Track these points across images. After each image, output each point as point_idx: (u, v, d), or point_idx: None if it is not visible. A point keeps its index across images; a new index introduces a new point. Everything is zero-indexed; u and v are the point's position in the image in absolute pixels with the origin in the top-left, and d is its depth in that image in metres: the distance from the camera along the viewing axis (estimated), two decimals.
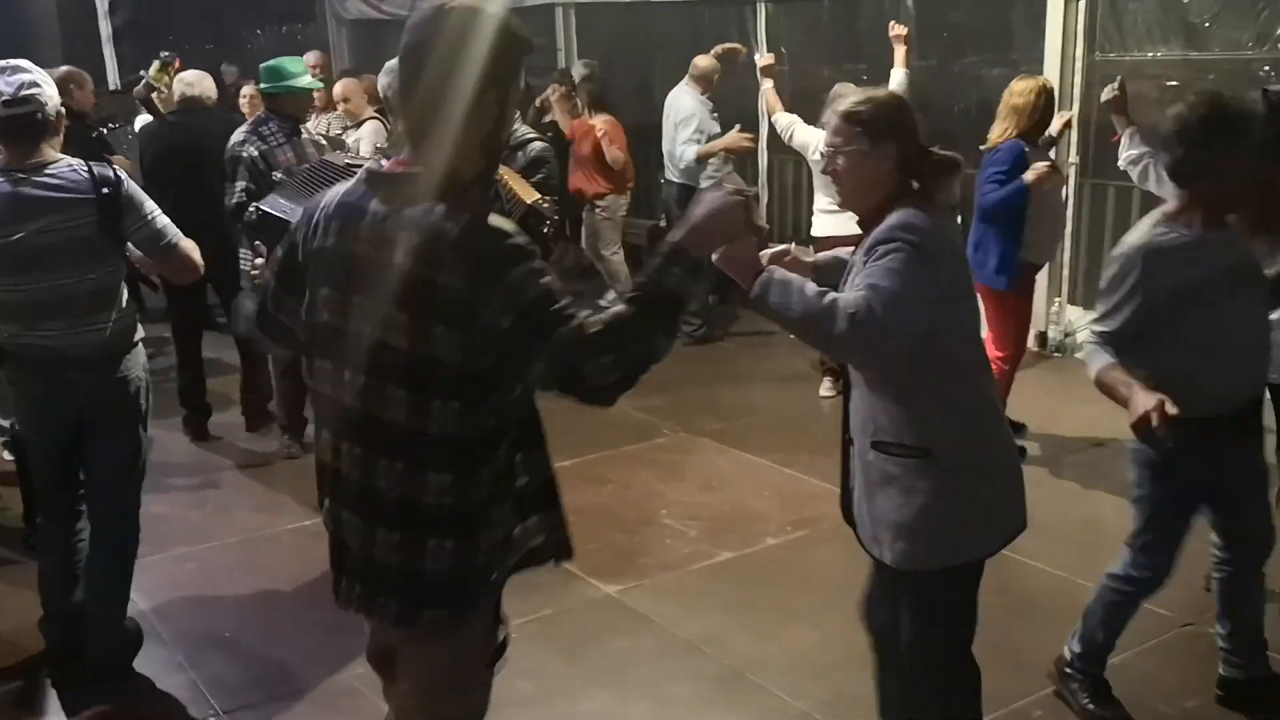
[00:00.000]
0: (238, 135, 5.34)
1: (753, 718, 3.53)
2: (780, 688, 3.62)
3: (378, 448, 2.11)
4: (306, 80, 5.49)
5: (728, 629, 4.01)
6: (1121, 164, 4.68)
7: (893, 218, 2.50)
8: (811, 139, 6.29)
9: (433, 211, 2.02)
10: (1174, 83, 6.55)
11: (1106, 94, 4.85)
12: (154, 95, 6.62)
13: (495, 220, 2.04)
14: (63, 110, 3.53)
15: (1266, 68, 6.18)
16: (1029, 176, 5.09)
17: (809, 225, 6.46)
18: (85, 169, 3.39)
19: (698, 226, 2.09)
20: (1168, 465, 3.18)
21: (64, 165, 3.39)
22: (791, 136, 6.42)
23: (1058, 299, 7.26)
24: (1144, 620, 3.96)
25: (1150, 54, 6.67)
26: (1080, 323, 7.16)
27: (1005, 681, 3.68)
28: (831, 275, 2.82)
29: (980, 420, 2.68)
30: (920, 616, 2.72)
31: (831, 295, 2.34)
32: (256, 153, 5.28)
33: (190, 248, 3.62)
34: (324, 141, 5.73)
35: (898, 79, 6.16)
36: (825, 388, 6.61)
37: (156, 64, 6.65)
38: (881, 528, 2.67)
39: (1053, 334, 7.26)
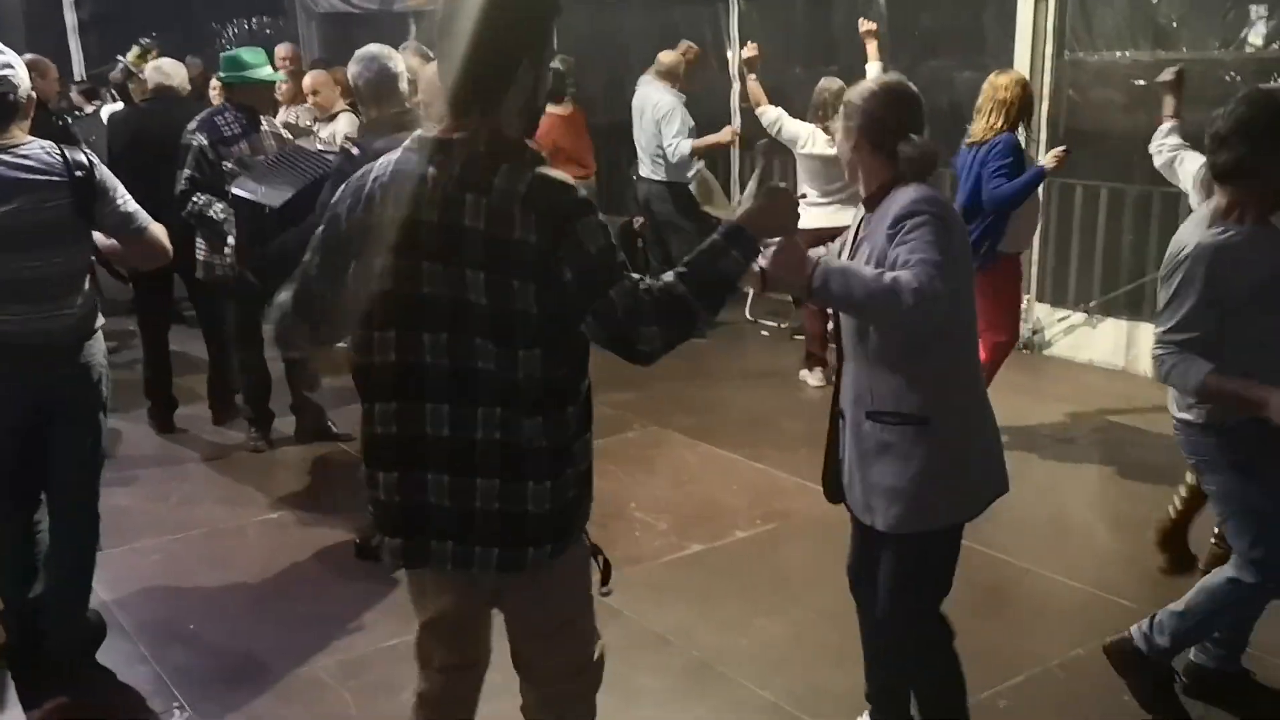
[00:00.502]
0: (191, 124, 5.30)
1: (720, 709, 3.52)
2: (748, 679, 3.62)
3: (471, 401, 2.16)
4: (266, 72, 5.43)
5: (696, 621, 4.01)
6: (1153, 147, 4.56)
7: (908, 192, 2.64)
8: (802, 131, 6.34)
9: (497, 171, 2.09)
10: (1142, 82, 6.60)
11: (1167, 75, 4.76)
12: (130, 82, 6.54)
13: (556, 174, 2.13)
14: (33, 95, 3.48)
15: (1234, 73, 6.23)
16: (1050, 162, 5.13)
17: None
18: (57, 151, 3.35)
19: (759, 215, 2.23)
20: (1251, 468, 3.13)
21: (35, 146, 3.33)
22: (780, 130, 6.45)
23: (1027, 296, 7.29)
24: (1106, 612, 4.01)
25: (1119, 54, 6.73)
26: (1049, 320, 7.22)
27: (971, 672, 3.70)
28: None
29: (970, 387, 2.81)
30: (906, 578, 2.82)
31: (890, 275, 2.43)
32: (206, 142, 5.23)
33: (160, 232, 3.58)
34: (288, 134, 5.68)
35: (873, 73, 6.17)
36: (815, 378, 6.66)
37: (136, 49, 6.58)
38: (876, 495, 2.76)
39: (1022, 331, 7.29)
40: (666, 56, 7.56)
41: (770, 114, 6.46)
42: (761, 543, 4.70)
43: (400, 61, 4.39)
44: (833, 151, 6.27)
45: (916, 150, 2.68)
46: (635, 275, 2.11)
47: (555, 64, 8.46)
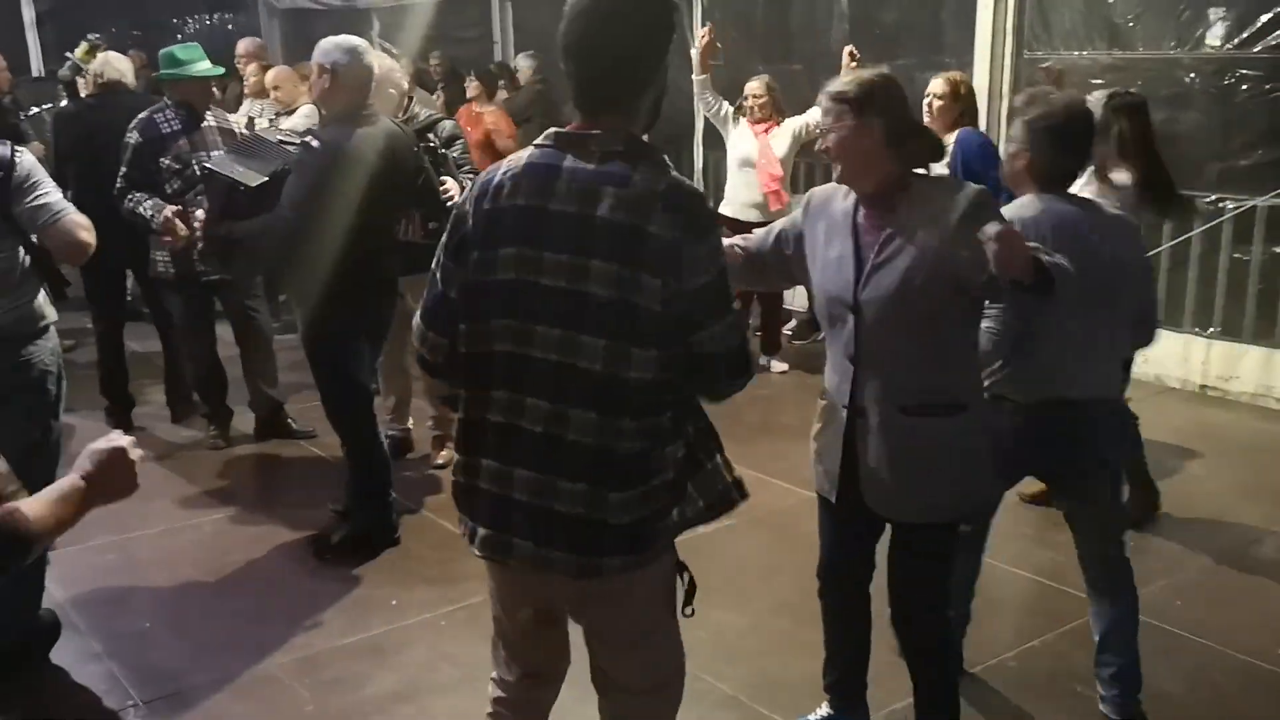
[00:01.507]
0: (133, 121, 5.25)
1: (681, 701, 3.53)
2: (706, 671, 3.62)
3: (569, 399, 2.13)
4: (201, 67, 5.36)
5: None
6: None
7: (957, 188, 2.64)
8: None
9: (635, 167, 2.10)
10: (1099, 81, 6.66)
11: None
12: (79, 78, 6.47)
13: (689, 182, 2.17)
14: None
15: (1192, 75, 6.31)
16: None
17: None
18: None
19: None
20: None
21: None
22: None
23: None
24: (1061, 603, 4.05)
25: (1076, 53, 6.79)
26: None
27: None
28: (757, 260, 3.00)
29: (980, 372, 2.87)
30: (932, 566, 2.86)
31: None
32: (141, 139, 5.20)
33: (74, 225, 3.46)
34: (239, 129, 5.64)
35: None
36: (777, 365, 6.83)
37: (84, 45, 6.51)
38: (911, 489, 2.74)
39: None
40: None
41: (713, 102, 6.67)
42: (720, 537, 4.67)
43: (375, 59, 4.37)
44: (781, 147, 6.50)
45: (927, 142, 2.74)
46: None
47: (526, 60, 8.61)
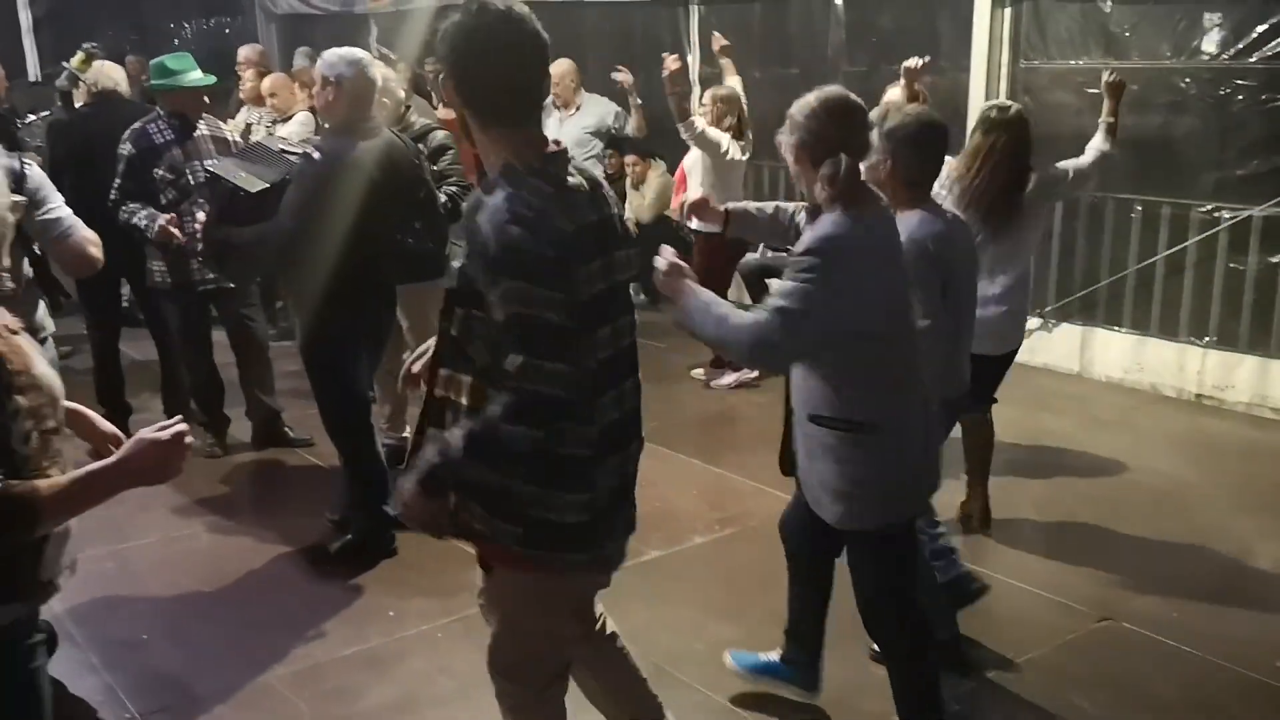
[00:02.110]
0: (126, 132, 5.26)
1: (675, 712, 3.51)
2: (702, 683, 3.63)
3: (631, 373, 2.51)
4: (192, 77, 5.37)
5: (651, 626, 4.01)
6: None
7: (818, 226, 2.77)
8: (724, 138, 6.49)
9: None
10: (1095, 90, 6.68)
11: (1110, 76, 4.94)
12: (75, 88, 6.45)
13: None
14: None
15: (1185, 74, 6.33)
16: None
17: None
18: None
19: None
20: None
21: None
22: (703, 136, 6.47)
23: None
24: (1058, 614, 4.06)
25: (1073, 62, 6.80)
26: None
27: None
28: (742, 226, 3.39)
29: (905, 391, 2.91)
30: (865, 571, 3.03)
31: (740, 319, 2.72)
32: (134, 150, 5.21)
33: (84, 239, 3.49)
34: (234, 137, 5.64)
35: (733, 85, 6.75)
36: (726, 379, 6.84)
37: (81, 54, 6.49)
38: (820, 490, 2.95)
39: None
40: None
41: (697, 125, 6.42)
42: (718, 547, 4.72)
43: (379, 71, 4.37)
44: (743, 157, 6.49)
45: (833, 169, 2.73)
46: None
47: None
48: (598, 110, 7.80)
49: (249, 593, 4.34)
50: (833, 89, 2.88)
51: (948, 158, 3.87)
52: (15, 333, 2.11)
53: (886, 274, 2.83)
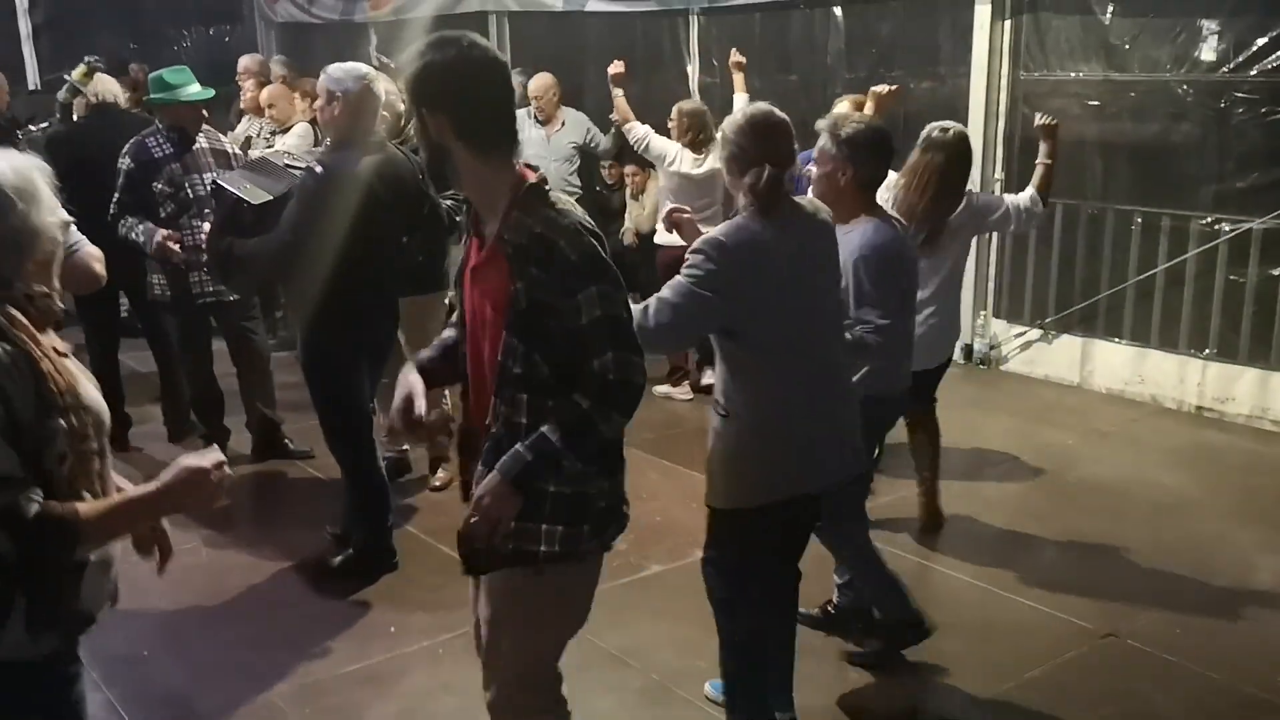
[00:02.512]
0: (125, 146, 5.26)
1: None
2: (704, 700, 3.63)
3: None
4: (191, 90, 5.37)
5: (654, 641, 4.01)
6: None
7: (723, 225, 2.98)
8: (670, 149, 6.47)
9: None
10: (1095, 102, 6.70)
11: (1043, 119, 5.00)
12: (76, 100, 6.44)
13: None
14: None
15: (1185, 86, 6.34)
16: None
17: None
18: None
19: None
20: None
21: None
22: (647, 147, 6.53)
23: (983, 312, 7.38)
24: (1061, 630, 4.05)
25: (1073, 74, 6.81)
26: (1005, 335, 7.30)
27: (926, 694, 3.74)
28: None
29: (777, 393, 3.02)
30: (710, 543, 3.25)
31: (639, 308, 2.86)
32: (133, 165, 5.22)
33: (90, 256, 3.48)
34: (234, 150, 5.64)
35: (740, 104, 6.47)
36: (681, 392, 6.86)
37: (83, 67, 6.48)
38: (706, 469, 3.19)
39: (978, 346, 7.38)
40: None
41: (638, 130, 6.50)
42: None
43: (382, 86, 4.36)
44: (698, 171, 6.41)
45: (755, 179, 2.92)
46: None
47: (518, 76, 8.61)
48: (579, 125, 7.84)
49: (250, 608, 4.33)
50: (760, 106, 3.07)
51: (890, 171, 4.09)
52: (64, 355, 2.12)
53: (774, 277, 2.95)
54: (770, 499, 3.08)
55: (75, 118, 6.31)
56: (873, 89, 5.23)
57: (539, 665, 2.64)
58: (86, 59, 6.61)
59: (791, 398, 3.03)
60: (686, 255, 2.96)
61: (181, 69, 5.47)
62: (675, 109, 6.64)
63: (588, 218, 2.41)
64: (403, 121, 5.17)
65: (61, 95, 6.61)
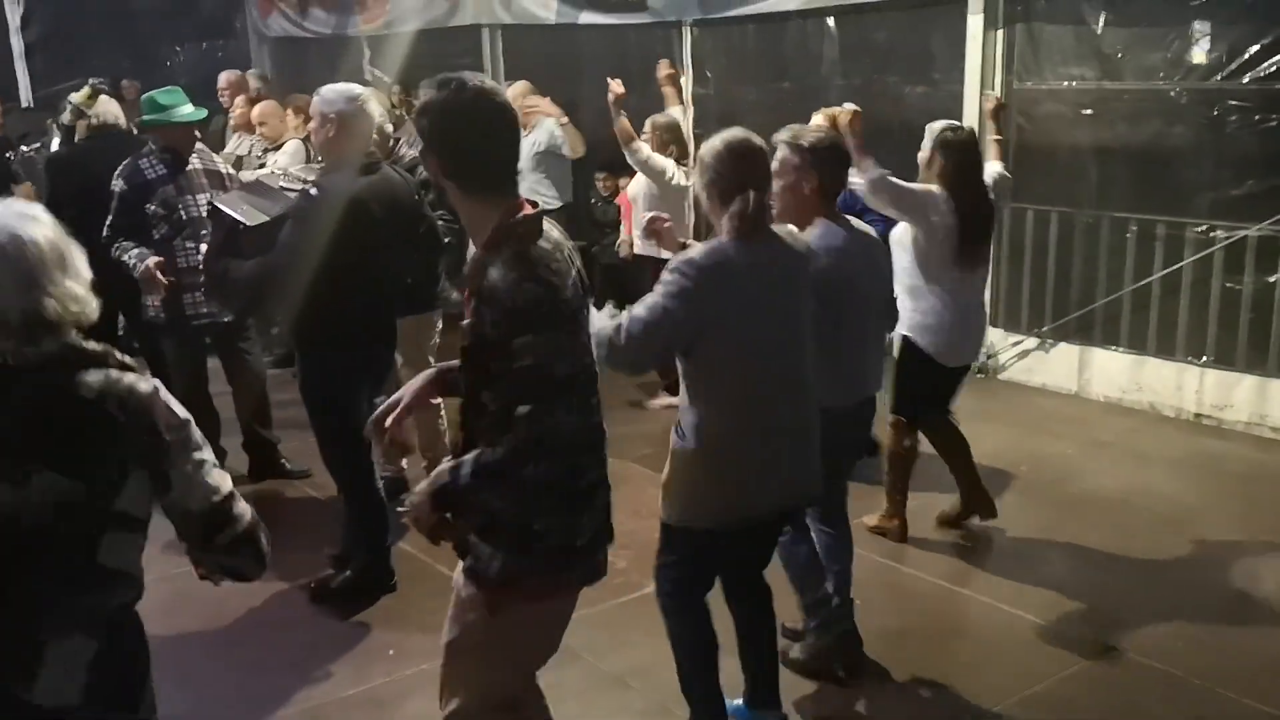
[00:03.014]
0: (119, 168, 5.25)
1: None
2: None
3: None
4: (184, 111, 5.36)
5: (655, 662, 3.96)
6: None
7: (700, 246, 3.04)
8: (669, 165, 6.50)
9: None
10: (1089, 111, 6.70)
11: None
12: (80, 121, 6.42)
13: None
14: None
15: (1179, 94, 6.34)
16: None
17: None
18: None
19: None
20: None
21: None
22: (648, 165, 6.50)
23: None
24: (1063, 644, 4.04)
25: (1066, 83, 6.82)
26: (1002, 344, 7.30)
27: (925, 709, 3.72)
28: None
29: (726, 420, 3.06)
30: (660, 550, 3.28)
31: (603, 323, 2.94)
32: (127, 187, 5.21)
33: None
34: (226, 170, 5.63)
35: (675, 115, 6.79)
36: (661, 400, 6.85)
37: (86, 89, 6.47)
38: (663, 492, 3.22)
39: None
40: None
41: (642, 152, 6.45)
42: None
43: (376, 105, 4.35)
44: (690, 182, 6.40)
45: (742, 205, 2.96)
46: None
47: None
48: (544, 130, 7.85)
49: (249, 632, 4.32)
50: (737, 132, 3.10)
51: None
52: None
53: (738, 301, 2.98)
54: (718, 524, 3.14)
55: (76, 139, 6.30)
56: (826, 110, 5.18)
57: (498, 690, 2.66)
58: (91, 81, 6.61)
59: (739, 425, 3.06)
60: (663, 272, 3.01)
61: (174, 90, 5.46)
62: (649, 123, 6.61)
63: (560, 258, 2.42)
64: (391, 142, 5.18)
65: (65, 118, 6.60)
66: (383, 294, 4.33)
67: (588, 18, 9.21)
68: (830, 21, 8.00)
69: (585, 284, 2.56)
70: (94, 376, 1.99)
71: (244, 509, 2.20)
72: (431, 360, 5.49)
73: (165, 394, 2.07)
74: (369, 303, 4.23)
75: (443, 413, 5.35)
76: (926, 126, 4.67)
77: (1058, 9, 6.80)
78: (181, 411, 2.10)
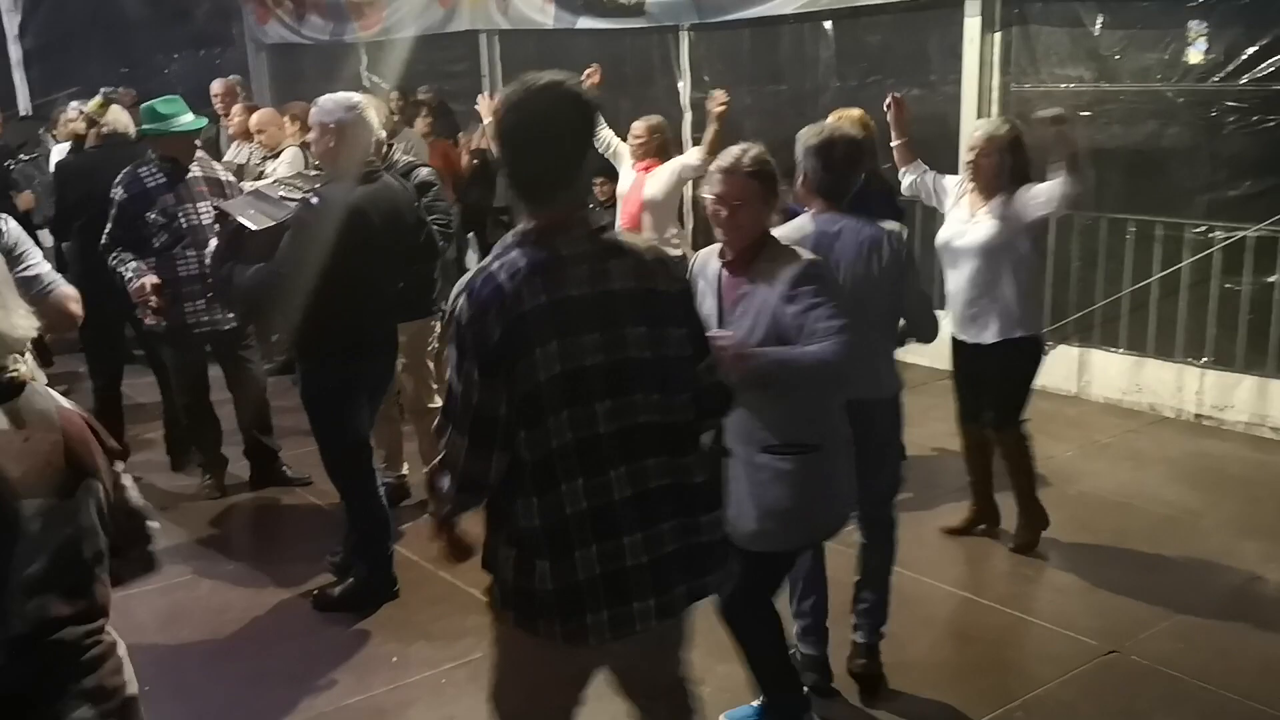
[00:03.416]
0: (118, 177, 5.26)
1: None
2: None
3: (646, 454, 2.34)
4: (185, 121, 5.36)
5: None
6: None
7: (789, 251, 3.06)
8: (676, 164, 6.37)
9: (610, 236, 2.40)
10: (1086, 112, 6.70)
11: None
12: (91, 130, 6.42)
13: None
14: None
15: (1175, 95, 6.35)
16: None
17: None
18: None
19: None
20: None
21: None
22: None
23: None
24: (1064, 647, 4.03)
25: (1063, 85, 6.82)
26: None
27: (937, 713, 3.72)
28: None
29: (841, 417, 3.19)
30: (739, 581, 2.97)
31: (812, 349, 2.89)
32: (126, 196, 5.21)
33: (68, 294, 3.47)
34: (227, 177, 5.63)
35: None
36: None
37: (98, 99, 6.49)
38: (769, 519, 3.07)
39: None
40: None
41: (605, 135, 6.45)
42: None
43: (374, 113, 4.33)
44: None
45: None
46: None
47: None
48: None
49: (251, 641, 4.31)
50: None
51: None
52: None
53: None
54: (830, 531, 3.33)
55: (86, 147, 6.31)
56: (840, 111, 5.22)
57: (520, 714, 2.56)
58: (104, 91, 6.64)
59: (847, 425, 3.29)
60: (807, 281, 3.07)
61: (174, 99, 5.46)
62: (646, 125, 6.39)
63: (502, 276, 2.23)
64: (385, 147, 5.12)
65: (76, 125, 6.60)
66: (382, 302, 4.33)
67: (585, 22, 9.22)
68: (827, 25, 8.01)
69: (641, 307, 2.41)
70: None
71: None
72: (430, 365, 5.49)
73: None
74: (369, 311, 4.23)
75: None
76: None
77: (1054, 11, 6.81)
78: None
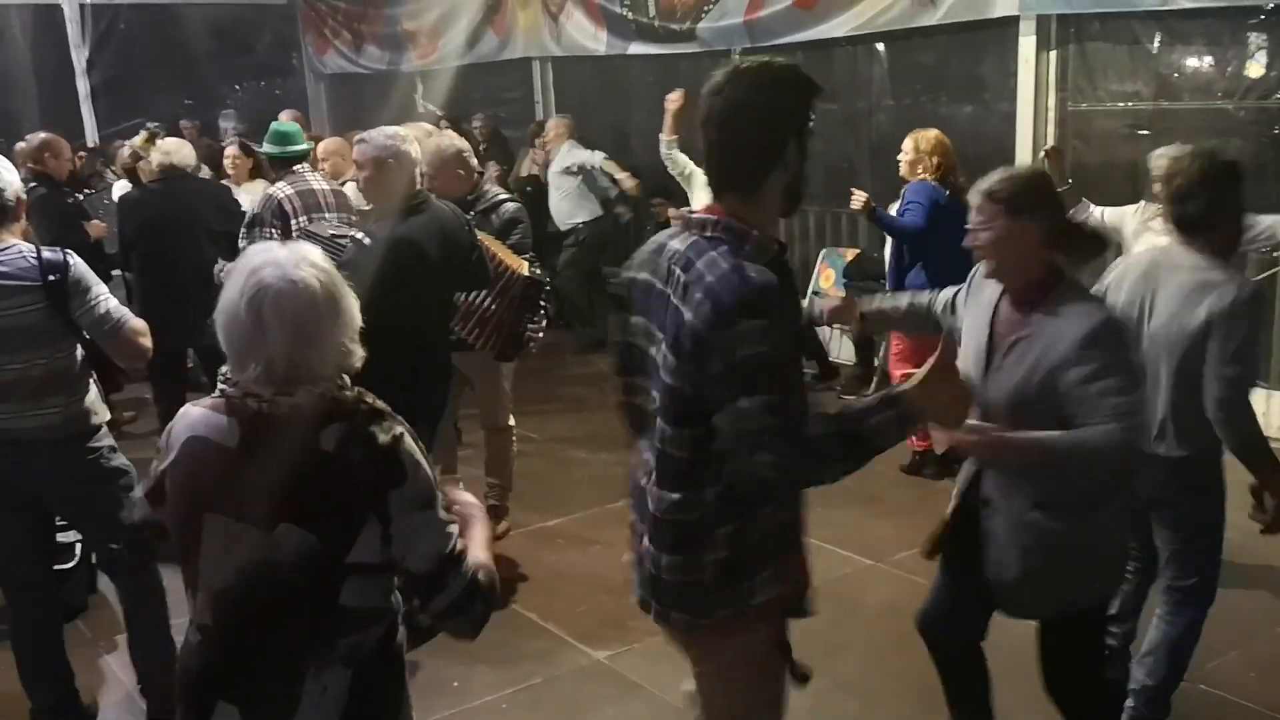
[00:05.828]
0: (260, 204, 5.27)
1: None
2: None
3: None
4: (299, 149, 5.60)
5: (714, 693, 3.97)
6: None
7: (1088, 313, 2.61)
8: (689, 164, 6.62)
9: (713, 249, 2.17)
10: (1145, 131, 6.63)
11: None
12: (139, 165, 6.61)
13: (759, 272, 2.12)
14: (23, 195, 3.50)
15: (1236, 111, 6.27)
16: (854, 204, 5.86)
17: None
18: (34, 255, 3.33)
19: (926, 396, 2.23)
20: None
21: (14, 251, 3.33)
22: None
23: None
24: None
25: (1122, 104, 6.76)
26: None
27: None
28: (877, 325, 3.30)
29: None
30: (1074, 658, 2.93)
31: (1079, 435, 2.54)
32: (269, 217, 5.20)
33: (137, 329, 3.54)
34: (319, 185, 5.62)
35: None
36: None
37: (144, 134, 6.68)
38: (1038, 585, 2.78)
39: None
40: None
41: (680, 161, 6.73)
42: None
43: (415, 145, 4.33)
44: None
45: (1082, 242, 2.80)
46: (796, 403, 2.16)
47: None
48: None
49: None
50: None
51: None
52: None
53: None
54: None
55: (144, 181, 6.48)
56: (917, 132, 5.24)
57: None
58: (148, 125, 6.81)
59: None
60: (1096, 344, 2.71)
61: (292, 124, 5.76)
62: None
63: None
64: (476, 176, 5.09)
65: (124, 161, 6.78)
66: (437, 331, 4.36)
67: (637, 48, 9.28)
68: (879, 46, 8.01)
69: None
70: (336, 428, 1.97)
71: (465, 573, 2.05)
72: (506, 385, 5.41)
73: (409, 443, 2.03)
74: (423, 342, 4.24)
75: (514, 435, 5.35)
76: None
77: (1111, 29, 6.74)
78: (420, 462, 2.04)
